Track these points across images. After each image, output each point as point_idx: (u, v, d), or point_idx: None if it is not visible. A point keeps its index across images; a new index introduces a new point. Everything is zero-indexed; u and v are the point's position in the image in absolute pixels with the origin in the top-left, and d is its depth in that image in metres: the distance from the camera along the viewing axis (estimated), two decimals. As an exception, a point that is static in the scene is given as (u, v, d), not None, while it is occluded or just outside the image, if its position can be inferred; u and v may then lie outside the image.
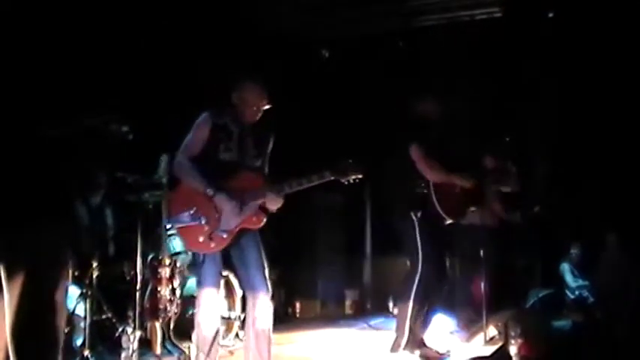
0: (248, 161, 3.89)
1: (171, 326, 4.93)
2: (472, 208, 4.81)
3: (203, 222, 3.72)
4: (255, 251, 3.84)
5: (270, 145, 4.01)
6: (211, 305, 3.80)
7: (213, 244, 3.72)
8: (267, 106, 3.91)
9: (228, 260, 3.89)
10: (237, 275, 3.92)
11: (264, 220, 3.76)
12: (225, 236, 3.71)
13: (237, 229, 3.73)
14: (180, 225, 3.81)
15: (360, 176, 3.75)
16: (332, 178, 3.72)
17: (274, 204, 3.74)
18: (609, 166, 7.09)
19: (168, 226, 5.16)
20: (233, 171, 3.81)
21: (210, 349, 3.74)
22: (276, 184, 3.74)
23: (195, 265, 3.95)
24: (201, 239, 3.72)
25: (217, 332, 3.81)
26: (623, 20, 6.15)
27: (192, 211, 3.74)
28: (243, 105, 3.89)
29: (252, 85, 3.92)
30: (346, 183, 3.76)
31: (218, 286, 3.87)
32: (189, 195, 3.78)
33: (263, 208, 3.76)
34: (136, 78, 5.58)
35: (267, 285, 3.82)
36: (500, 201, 6.14)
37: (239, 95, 3.90)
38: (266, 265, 3.86)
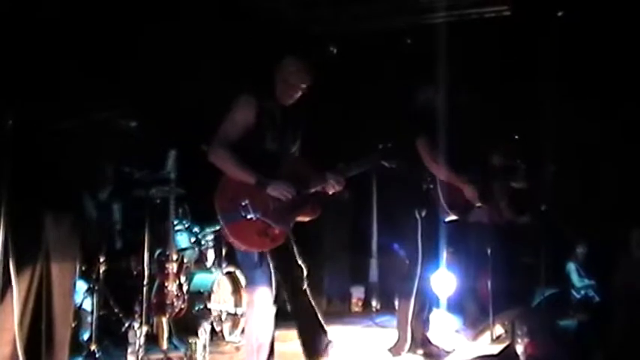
0: (290, 147, 3.57)
1: (178, 322, 4.94)
2: (478, 204, 4.78)
3: (258, 216, 3.32)
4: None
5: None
6: (267, 309, 3.42)
7: (269, 240, 3.34)
8: (308, 85, 3.55)
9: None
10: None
11: (320, 210, 3.46)
12: (282, 229, 3.36)
13: (295, 220, 3.41)
14: (230, 222, 3.33)
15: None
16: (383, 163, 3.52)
17: (333, 188, 3.44)
18: (619, 165, 7.05)
19: (175, 224, 5.16)
20: (279, 159, 3.46)
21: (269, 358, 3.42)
22: (332, 168, 3.47)
23: (246, 266, 3.55)
24: (256, 236, 3.31)
25: (273, 339, 3.45)
26: (633, 19, 6.12)
27: (244, 203, 3.30)
28: (284, 84, 3.52)
29: (295, 62, 3.55)
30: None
31: (272, 285, 3.44)
32: (237, 187, 3.34)
33: (320, 197, 3.47)
34: (144, 73, 5.57)
35: None
36: (509, 201, 6.12)
37: (281, 73, 3.54)
38: None
